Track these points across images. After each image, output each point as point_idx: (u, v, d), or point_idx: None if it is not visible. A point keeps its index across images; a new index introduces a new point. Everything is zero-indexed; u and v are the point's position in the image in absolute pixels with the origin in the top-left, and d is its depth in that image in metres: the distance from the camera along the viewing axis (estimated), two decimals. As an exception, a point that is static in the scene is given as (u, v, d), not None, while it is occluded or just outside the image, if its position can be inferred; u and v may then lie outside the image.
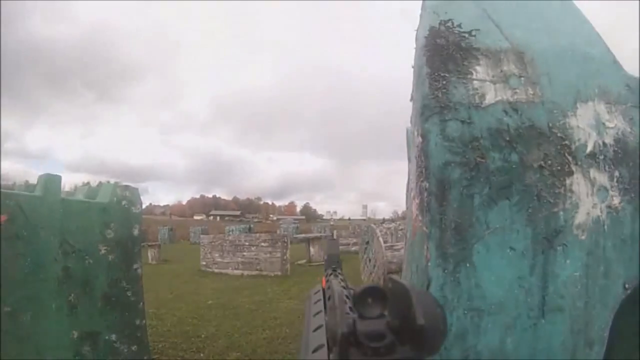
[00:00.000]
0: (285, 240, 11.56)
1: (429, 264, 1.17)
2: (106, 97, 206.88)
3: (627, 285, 1.25)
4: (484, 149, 1.21)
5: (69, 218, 3.00)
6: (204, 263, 12.78)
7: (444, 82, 1.25)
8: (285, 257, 11.25)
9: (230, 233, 19.94)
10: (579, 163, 1.26)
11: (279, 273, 10.96)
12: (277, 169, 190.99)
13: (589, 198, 1.25)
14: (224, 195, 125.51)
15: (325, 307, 0.53)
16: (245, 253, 11.80)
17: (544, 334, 1.17)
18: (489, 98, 1.26)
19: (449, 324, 1.14)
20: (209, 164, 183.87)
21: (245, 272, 11.50)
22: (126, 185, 3.57)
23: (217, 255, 12.45)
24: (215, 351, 4.74)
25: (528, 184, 1.21)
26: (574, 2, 1.53)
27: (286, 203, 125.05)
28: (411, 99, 1.47)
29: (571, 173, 1.25)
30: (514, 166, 1.22)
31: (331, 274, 0.70)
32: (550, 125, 1.27)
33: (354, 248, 11.28)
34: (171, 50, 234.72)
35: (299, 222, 54.03)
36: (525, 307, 1.17)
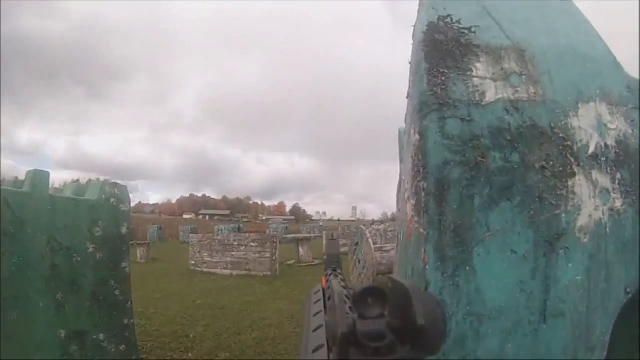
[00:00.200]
0: (275, 240, 11.55)
1: (427, 267, 1.14)
2: (95, 94, 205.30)
3: (628, 290, 1.22)
4: (484, 148, 1.18)
5: (57, 215, 2.96)
6: (193, 262, 12.73)
7: (443, 79, 1.21)
8: (274, 258, 11.24)
9: (220, 233, 19.94)
10: (581, 164, 1.23)
11: (268, 273, 10.95)
12: (266, 169, 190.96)
13: (591, 200, 1.22)
14: (214, 194, 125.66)
15: (325, 307, 0.53)
16: (234, 253, 11.77)
17: (544, 339, 1.14)
18: (490, 96, 1.23)
19: (448, 330, 1.11)
20: (198, 163, 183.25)
21: (235, 272, 11.47)
22: (115, 183, 3.54)
23: (206, 254, 12.41)
24: (204, 351, 4.71)
25: (530, 185, 1.18)
26: (574, 1, 1.51)
27: (275, 203, 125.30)
28: (407, 97, 1.44)
29: (573, 174, 1.22)
30: (515, 166, 1.19)
31: (331, 274, 0.69)
32: (552, 125, 1.24)
33: (343, 249, 11.27)
34: (160, 48, 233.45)
35: (288, 222, 54.18)
36: (526, 312, 1.14)
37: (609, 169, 1.27)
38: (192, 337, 5.27)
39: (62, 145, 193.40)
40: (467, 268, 1.13)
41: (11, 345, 2.53)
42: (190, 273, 12.06)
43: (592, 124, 1.29)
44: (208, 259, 12.30)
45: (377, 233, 10.76)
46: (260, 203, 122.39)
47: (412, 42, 1.39)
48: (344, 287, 0.55)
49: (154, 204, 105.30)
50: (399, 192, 2.31)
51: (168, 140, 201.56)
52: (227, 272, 11.59)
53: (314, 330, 0.45)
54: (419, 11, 1.37)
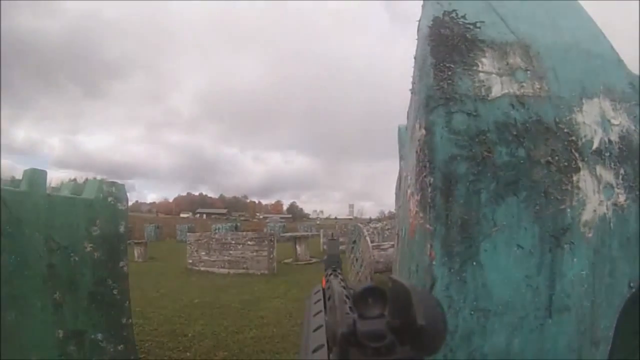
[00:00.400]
0: (272, 239, 11.53)
1: (434, 262, 1.13)
2: (92, 92, 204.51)
3: (632, 284, 1.23)
4: (490, 143, 1.18)
5: (54, 214, 2.94)
6: (191, 261, 12.69)
7: (449, 73, 1.21)
8: (272, 256, 11.22)
9: (217, 231, 19.84)
10: (586, 160, 1.24)
11: (266, 272, 10.93)
12: (263, 168, 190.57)
13: (595, 195, 1.23)
14: (211, 193, 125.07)
15: (325, 307, 0.53)
16: (232, 251, 11.74)
17: (550, 334, 1.15)
18: (496, 91, 1.23)
19: (455, 325, 1.11)
20: (195, 161, 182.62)
21: (232, 271, 11.44)
22: (112, 182, 3.52)
23: (203, 253, 12.37)
24: (202, 350, 4.69)
25: (535, 180, 1.18)
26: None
27: (272, 202, 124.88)
28: (412, 91, 1.43)
29: (578, 170, 1.22)
30: (521, 161, 1.19)
31: (331, 274, 0.68)
32: (557, 120, 1.24)
33: (341, 247, 11.28)
34: (157, 46, 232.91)
35: (285, 220, 54.16)
36: (532, 307, 1.14)
37: (612, 164, 1.27)
38: (190, 336, 5.24)
39: (58, 144, 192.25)
40: (474, 263, 1.13)
41: (9, 345, 2.51)
42: (187, 272, 12.02)
43: (596, 120, 1.29)
44: (205, 257, 12.27)
45: (375, 231, 10.78)
46: (257, 202, 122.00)
47: (416, 37, 1.39)
48: (344, 287, 0.55)
49: (151, 203, 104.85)
50: (398, 189, 2.30)
51: (165, 139, 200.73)
52: (225, 270, 11.57)
53: (314, 330, 0.45)
54: (423, 6, 1.37)
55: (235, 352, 4.63)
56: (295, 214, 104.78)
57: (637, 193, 1.27)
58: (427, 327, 0.29)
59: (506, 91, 1.23)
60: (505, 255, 1.15)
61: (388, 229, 11.14)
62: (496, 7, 1.34)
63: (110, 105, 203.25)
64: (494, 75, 1.24)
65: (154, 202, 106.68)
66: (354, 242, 8.90)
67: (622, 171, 1.28)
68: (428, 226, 1.16)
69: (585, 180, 1.23)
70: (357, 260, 8.54)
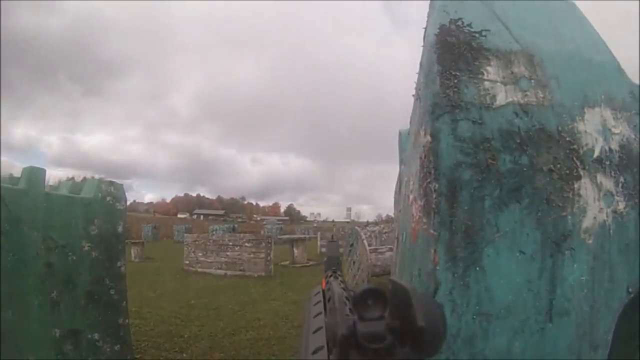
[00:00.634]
0: (269, 240, 11.53)
1: (438, 267, 1.15)
2: (90, 92, 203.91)
3: (630, 289, 1.25)
4: (494, 150, 1.20)
5: (52, 213, 2.93)
6: (188, 262, 12.67)
7: (455, 81, 1.23)
8: (269, 258, 11.22)
9: (214, 232, 19.84)
10: (587, 168, 1.26)
11: (263, 274, 10.92)
12: (261, 169, 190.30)
13: (595, 203, 1.25)
14: (208, 194, 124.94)
15: (325, 309, 0.53)
16: (229, 253, 11.73)
17: (550, 337, 1.17)
18: (500, 99, 1.25)
19: (458, 328, 1.13)
20: (193, 162, 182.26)
21: (229, 272, 11.43)
22: (111, 181, 3.51)
23: (200, 254, 12.36)
24: (199, 351, 4.70)
25: (538, 187, 1.20)
26: (577, 6, 1.53)
27: (270, 204, 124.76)
28: (416, 98, 1.45)
29: (579, 177, 1.24)
30: (524, 169, 1.21)
31: (331, 276, 0.69)
32: (560, 128, 1.26)
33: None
34: (156, 46, 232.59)
35: (283, 223, 54.05)
36: (533, 311, 1.16)
37: (612, 172, 1.30)
38: (186, 337, 5.24)
39: (56, 142, 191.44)
40: (477, 268, 1.15)
41: (5, 343, 2.50)
42: (184, 273, 12.01)
43: (597, 128, 1.31)
44: (202, 258, 12.25)
45: (372, 234, 10.79)
46: (254, 203, 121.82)
47: (416, 40, 1.41)
48: (344, 289, 0.56)
49: (148, 203, 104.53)
50: (397, 193, 2.32)
51: (163, 139, 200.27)
52: (222, 272, 11.56)
53: (314, 332, 0.45)
54: (429, 13, 1.39)
55: (231, 353, 4.64)
56: (293, 216, 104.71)
57: (637, 201, 1.29)
58: (427, 328, 0.29)
59: (510, 99, 1.25)
60: (508, 260, 1.16)
61: (385, 232, 11.15)
62: (501, 15, 1.36)
63: (108, 105, 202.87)
64: (498, 83, 1.26)
65: (151, 202, 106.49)
66: (352, 245, 8.91)
67: (622, 179, 1.30)
68: (432, 231, 1.18)
69: (586, 187, 1.25)
70: (354, 263, 8.55)
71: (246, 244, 11.51)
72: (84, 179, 3.79)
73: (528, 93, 1.27)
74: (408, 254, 1.49)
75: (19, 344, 2.63)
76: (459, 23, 1.31)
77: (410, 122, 1.60)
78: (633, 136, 1.36)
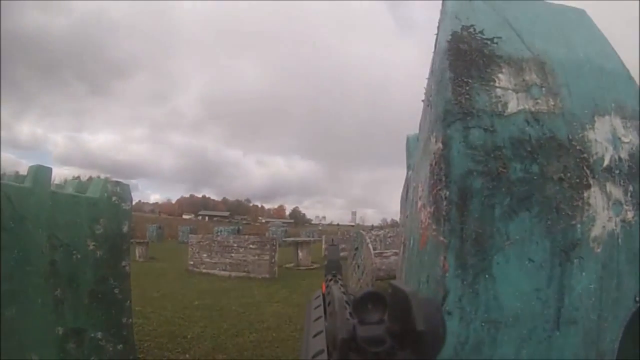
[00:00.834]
0: (274, 243, 11.51)
1: (447, 274, 1.15)
2: (97, 91, 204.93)
3: (637, 298, 1.24)
4: (505, 158, 1.20)
5: (58, 211, 2.93)
6: (192, 263, 12.67)
7: (467, 88, 1.23)
8: (273, 260, 11.19)
9: (219, 234, 19.85)
10: (596, 177, 1.26)
11: (267, 276, 10.90)
12: (266, 172, 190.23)
13: (604, 212, 1.24)
14: (214, 195, 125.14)
15: (325, 313, 0.53)
16: (233, 254, 11.72)
17: (557, 346, 1.16)
18: (512, 107, 1.25)
19: (466, 336, 1.12)
20: (199, 163, 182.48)
21: (233, 274, 11.42)
22: (117, 181, 3.51)
23: (205, 255, 12.35)
24: (201, 352, 4.68)
25: (548, 196, 1.20)
26: (588, 14, 1.53)
27: (275, 206, 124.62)
28: (427, 104, 1.45)
29: (589, 186, 1.24)
30: (534, 177, 1.21)
31: (331, 280, 0.69)
32: (570, 137, 1.26)
33: (342, 254, 11.24)
34: (162, 47, 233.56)
35: (287, 225, 54.03)
36: (541, 319, 1.16)
37: (622, 181, 1.29)
38: (189, 337, 5.23)
39: (62, 141, 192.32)
40: (487, 276, 1.14)
41: (8, 341, 2.50)
42: (188, 273, 11.99)
43: (607, 137, 1.31)
44: (207, 259, 12.24)
45: (377, 238, 10.77)
46: (260, 205, 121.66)
47: (423, 41, 1.41)
48: (344, 293, 0.55)
49: (153, 203, 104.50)
50: (404, 199, 2.31)
51: (169, 140, 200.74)
52: (226, 273, 11.54)
53: (314, 336, 0.45)
54: (441, 20, 1.39)
55: (234, 355, 4.62)
56: (298, 219, 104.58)
57: None
58: (427, 332, 0.29)
59: (522, 107, 1.25)
60: (517, 268, 1.16)
61: (390, 236, 11.13)
62: (512, 22, 1.36)
63: (114, 104, 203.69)
64: (510, 91, 1.26)
65: (156, 203, 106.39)
66: (356, 248, 8.88)
67: (630, 188, 1.30)
68: (442, 238, 1.17)
69: (595, 196, 1.24)
70: (358, 267, 8.52)
71: (251, 246, 11.50)
72: (90, 178, 3.79)
73: (539, 101, 1.27)
74: (416, 260, 1.48)
75: (21, 342, 2.63)
76: (471, 30, 1.31)
77: (420, 128, 1.59)
78: (642, 145, 1.35)
